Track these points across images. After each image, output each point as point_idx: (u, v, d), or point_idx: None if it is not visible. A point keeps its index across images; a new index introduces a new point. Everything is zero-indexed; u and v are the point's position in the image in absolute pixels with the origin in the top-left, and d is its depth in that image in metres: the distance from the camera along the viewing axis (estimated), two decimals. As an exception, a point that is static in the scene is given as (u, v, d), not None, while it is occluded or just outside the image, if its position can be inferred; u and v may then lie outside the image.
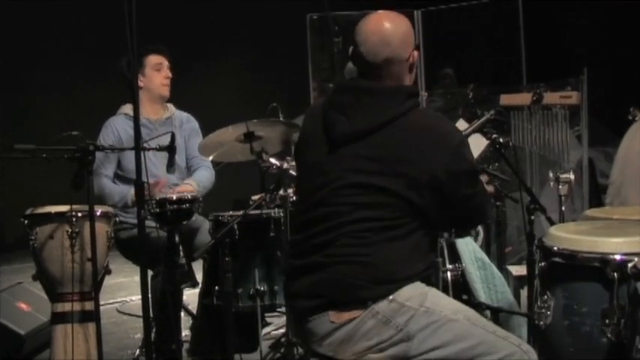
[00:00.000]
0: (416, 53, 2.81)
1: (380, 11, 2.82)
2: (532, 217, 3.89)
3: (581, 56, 7.91)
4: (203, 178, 4.86)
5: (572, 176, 3.84)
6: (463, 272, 4.34)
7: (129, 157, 4.57)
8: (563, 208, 3.84)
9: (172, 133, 4.13)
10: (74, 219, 4.07)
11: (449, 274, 4.30)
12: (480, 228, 4.98)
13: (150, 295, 4.21)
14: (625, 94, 6.06)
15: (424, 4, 6.45)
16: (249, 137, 4.09)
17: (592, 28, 8.23)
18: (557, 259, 2.95)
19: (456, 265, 4.35)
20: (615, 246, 2.83)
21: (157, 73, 4.77)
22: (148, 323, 3.76)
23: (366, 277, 2.66)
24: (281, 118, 4.49)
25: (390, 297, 2.66)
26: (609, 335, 2.75)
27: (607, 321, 2.76)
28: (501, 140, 3.81)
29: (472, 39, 6.76)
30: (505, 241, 5.38)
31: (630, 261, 2.70)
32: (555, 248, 2.96)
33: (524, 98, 4.03)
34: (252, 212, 4.18)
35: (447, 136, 2.72)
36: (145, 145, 4.11)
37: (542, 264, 3.01)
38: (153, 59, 4.76)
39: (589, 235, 2.94)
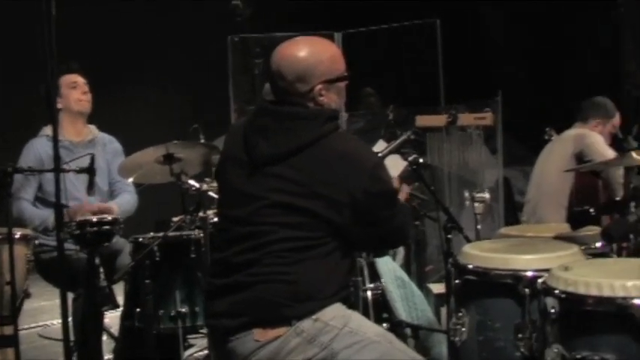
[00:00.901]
0: (324, 86, 2.79)
1: (298, 38, 2.85)
2: (449, 236, 3.94)
3: (501, 77, 8.12)
4: (124, 201, 4.84)
5: (487, 195, 3.94)
6: (383, 291, 4.39)
7: (50, 180, 4.51)
8: (479, 227, 3.92)
9: (92, 155, 4.12)
10: (-8, 243, 4.00)
11: (369, 293, 4.35)
12: (400, 247, 5.05)
13: (71, 319, 4.20)
14: (543, 115, 6.24)
15: (345, 26, 6.55)
16: (168, 159, 4.10)
17: (512, 49, 8.44)
18: (470, 277, 3.03)
19: (377, 284, 4.40)
20: (526, 263, 2.92)
21: (72, 91, 4.74)
22: (69, 347, 3.72)
23: (289, 296, 2.69)
24: (202, 140, 4.51)
25: (314, 316, 2.70)
26: (522, 349, 2.83)
27: (519, 335, 2.84)
28: (419, 161, 3.88)
29: (393, 60, 6.87)
30: (425, 259, 5.46)
31: (540, 277, 2.78)
32: (469, 266, 3.04)
33: (439, 119, 4.12)
34: (173, 234, 4.18)
35: (364, 159, 2.78)
36: (66, 166, 4.09)
37: (457, 281, 3.09)
38: (67, 79, 4.74)
39: (501, 253, 3.03)
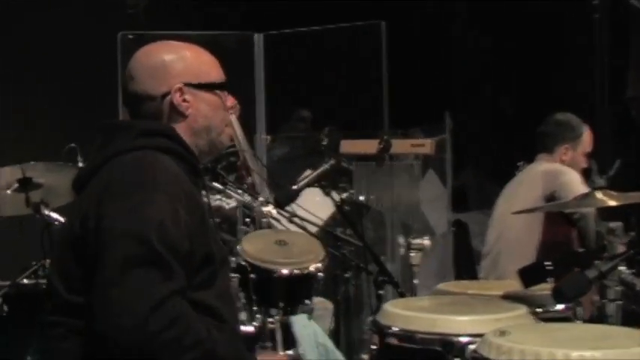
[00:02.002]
0: (186, 89, 2.73)
1: (156, 42, 2.84)
2: (381, 292, 3.95)
3: (467, 97, 8.16)
4: None
5: (426, 242, 3.94)
6: (300, 362, 4.36)
7: None
8: (416, 281, 3.93)
9: None
10: None
11: (284, 361, 4.29)
12: (326, 305, 5.00)
13: None
14: (518, 145, 6.25)
15: (267, 27, 6.51)
16: (24, 185, 4.05)
17: (478, 60, 8.46)
18: (391, 341, 3.04)
19: (292, 351, 4.36)
20: (458, 326, 2.94)
21: None
22: None
23: None
24: (80, 163, 4.45)
25: None
26: None
27: (448, 418, 2.86)
28: (344, 197, 3.89)
29: (326, 70, 6.79)
30: (361, 323, 5.44)
31: (473, 343, 2.80)
32: (390, 328, 3.05)
33: (369, 146, 4.11)
34: (26, 282, 4.12)
35: (112, 180, 2.55)
36: None
37: (374, 347, 3.10)
38: None
39: (429, 313, 3.04)
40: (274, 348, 4.24)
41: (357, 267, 4.76)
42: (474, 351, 2.72)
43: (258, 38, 6.51)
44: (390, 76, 6.26)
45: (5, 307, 4.04)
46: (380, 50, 6.23)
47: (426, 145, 4.17)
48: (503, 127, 8.03)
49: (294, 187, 3.95)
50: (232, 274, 3.82)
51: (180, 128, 2.74)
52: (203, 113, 2.77)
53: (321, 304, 4.94)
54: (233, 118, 5.66)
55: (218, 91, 2.82)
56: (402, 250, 4.07)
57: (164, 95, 2.72)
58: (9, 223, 4.67)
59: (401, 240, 4.07)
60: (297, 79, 6.72)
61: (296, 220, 4.17)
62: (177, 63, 2.75)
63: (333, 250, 4.35)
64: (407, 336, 2.99)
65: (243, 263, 3.90)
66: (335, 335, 5.02)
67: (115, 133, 2.70)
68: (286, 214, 4.24)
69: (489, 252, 5.19)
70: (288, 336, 4.38)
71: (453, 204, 6.11)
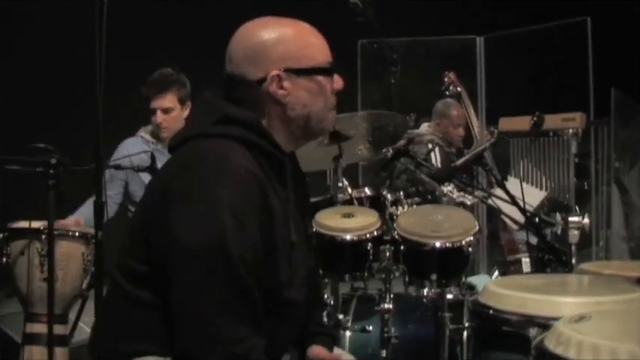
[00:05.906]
0: (285, 75, 1.99)
1: (259, 19, 2.07)
2: (547, 270, 3.08)
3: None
4: None
5: (586, 220, 2.96)
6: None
7: (135, 181, 4.18)
8: (574, 260, 2.94)
9: (152, 154, 3.68)
10: (44, 236, 3.56)
11: (464, 332, 3.36)
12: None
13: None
14: None
15: (487, 30, 5.76)
16: (335, 137, 3.35)
17: None
18: (483, 320, 2.17)
19: (473, 319, 3.50)
20: (551, 307, 1.99)
21: (153, 117, 4.22)
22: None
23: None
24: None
25: None
26: None
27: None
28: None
29: (539, 65, 5.96)
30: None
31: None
32: (484, 307, 2.17)
33: (523, 122, 3.23)
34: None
35: (184, 176, 1.90)
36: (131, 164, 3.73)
37: (467, 324, 2.25)
38: (152, 102, 4.18)
39: (524, 292, 2.12)
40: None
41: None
42: (541, 339, 1.77)
43: (480, 41, 5.84)
44: (596, 67, 5.27)
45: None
46: (586, 44, 5.23)
47: (576, 119, 3.22)
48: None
49: (454, 164, 3.21)
50: (385, 246, 3.03)
51: (275, 115, 2.01)
52: (302, 101, 2.01)
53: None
54: (472, 112, 4.92)
55: (321, 77, 2.02)
56: (559, 228, 3.09)
57: (260, 81, 1.97)
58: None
59: (558, 216, 3.11)
60: (514, 74, 5.91)
61: (489, 201, 3.51)
62: (277, 46, 1.98)
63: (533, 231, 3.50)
64: (493, 316, 2.09)
65: (397, 237, 3.04)
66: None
67: (201, 111, 2.05)
68: (479, 196, 3.54)
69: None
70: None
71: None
